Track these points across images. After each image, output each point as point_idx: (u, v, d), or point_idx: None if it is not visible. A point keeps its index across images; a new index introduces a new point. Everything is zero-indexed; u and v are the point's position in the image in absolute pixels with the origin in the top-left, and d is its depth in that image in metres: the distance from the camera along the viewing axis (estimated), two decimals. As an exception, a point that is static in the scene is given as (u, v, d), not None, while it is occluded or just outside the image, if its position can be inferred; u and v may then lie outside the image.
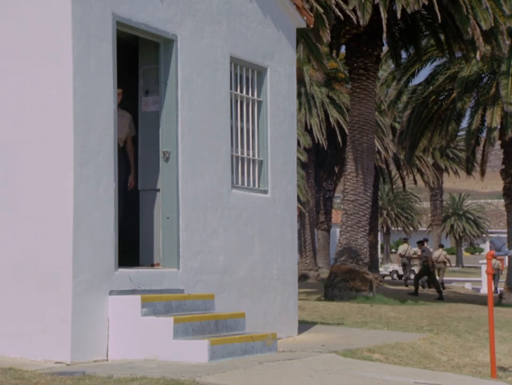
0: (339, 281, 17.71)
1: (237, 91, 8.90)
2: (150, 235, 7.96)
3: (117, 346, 6.88)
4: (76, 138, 6.79)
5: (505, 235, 22.51)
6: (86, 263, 6.78)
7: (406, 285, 29.20)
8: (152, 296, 7.14)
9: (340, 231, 18.65)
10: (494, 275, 29.48)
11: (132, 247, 8.01)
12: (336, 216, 46.84)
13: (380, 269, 41.37)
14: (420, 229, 67.59)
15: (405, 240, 34.55)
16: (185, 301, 7.39)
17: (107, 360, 6.82)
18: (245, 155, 9.01)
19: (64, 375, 5.84)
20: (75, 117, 6.79)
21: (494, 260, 28.08)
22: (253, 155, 9.14)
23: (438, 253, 28.95)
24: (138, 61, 8.15)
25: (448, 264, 30.32)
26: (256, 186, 9.14)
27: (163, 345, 6.73)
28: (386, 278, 39.49)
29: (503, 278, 25.89)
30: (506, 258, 20.67)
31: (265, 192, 9.18)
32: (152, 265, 7.84)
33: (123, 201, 7.68)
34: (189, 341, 6.77)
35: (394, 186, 44.06)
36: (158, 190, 7.95)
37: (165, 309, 7.13)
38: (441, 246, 30.95)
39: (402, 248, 32.74)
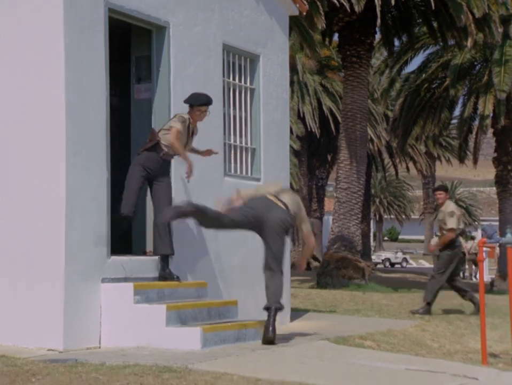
0: (332, 269, 17.76)
1: (229, 78, 8.89)
2: (142, 222, 7.96)
3: (109, 333, 6.88)
4: (68, 126, 6.77)
5: (497, 223, 22.59)
6: (78, 251, 6.77)
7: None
8: (144, 284, 7.15)
9: (333, 219, 18.68)
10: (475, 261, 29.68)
11: (125, 235, 8.00)
12: (329, 204, 46.91)
13: (373, 257, 41.51)
14: (412, 217, 67.79)
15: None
16: (178, 289, 7.40)
17: (100, 347, 6.83)
18: (238, 143, 9.01)
19: (56, 362, 5.85)
20: (67, 105, 6.76)
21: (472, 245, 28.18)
22: (246, 143, 9.13)
23: (470, 245, 28.36)
24: (130, 48, 8.12)
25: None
26: (249, 174, 9.14)
27: (155, 333, 6.74)
28: (378, 266, 39.63)
29: (494, 266, 25.98)
30: (498, 245, 20.77)
31: (258, 180, 9.18)
32: (145, 253, 7.85)
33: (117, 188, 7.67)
34: (182, 329, 6.78)
35: (386, 174, 44.14)
36: (152, 178, 7.92)
37: (158, 297, 7.14)
38: (472, 237, 30.38)
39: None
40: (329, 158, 36.71)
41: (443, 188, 11.17)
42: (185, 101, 7.54)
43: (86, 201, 6.88)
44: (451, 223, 10.50)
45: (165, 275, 7.36)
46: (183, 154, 7.45)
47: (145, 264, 7.48)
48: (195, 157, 8.10)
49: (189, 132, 7.56)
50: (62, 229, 6.67)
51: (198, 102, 7.51)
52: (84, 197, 6.86)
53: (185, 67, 8.08)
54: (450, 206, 10.73)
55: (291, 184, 32.92)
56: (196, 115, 7.54)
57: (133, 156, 7.96)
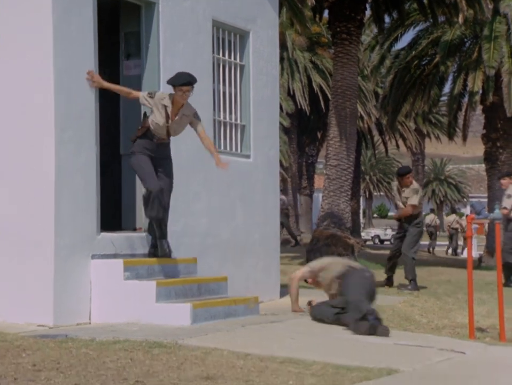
0: (321, 246, 17.77)
1: (219, 55, 8.85)
2: (132, 199, 7.96)
3: (99, 309, 6.91)
4: (57, 102, 6.74)
5: (486, 199, 22.69)
6: (68, 227, 6.78)
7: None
8: (134, 260, 7.16)
9: (323, 196, 18.70)
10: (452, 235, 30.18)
11: (115, 211, 8.00)
12: (319, 181, 46.98)
13: (362, 234, 41.64)
14: (402, 194, 67.85)
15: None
16: (168, 265, 7.42)
17: (90, 323, 6.86)
18: (227, 119, 8.99)
19: (46, 337, 5.87)
20: (56, 81, 6.73)
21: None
22: (235, 120, 9.12)
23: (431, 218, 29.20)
24: (119, 24, 8.07)
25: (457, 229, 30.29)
26: (239, 151, 9.14)
27: (145, 309, 6.77)
28: (368, 243, 39.79)
29: (482, 242, 26.12)
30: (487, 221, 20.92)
31: (248, 156, 9.18)
32: (135, 229, 7.85)
33: (106, 165, 7.66)
34: (172, 305, 6.81)
35: (376, 152, 44.16)
36: (141, 154, 7.90)
37: (148, 273, 7.16)
38: (453, 211, 30.84)
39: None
40: (319, 135, 36.70)
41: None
42: (167, 82, 7.33)
43: (75, 177, 6.87)
44: (414, 200, 11.14)
45: (154, 252, 7.33)
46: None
47: (135, 240, 7.48)
48: (186, 132, 8.09)
49: (167, 112, 7.22)
50: (51, 204, 6.67)
51: (178, 82, 7.18)
52: (73, 172, 6.85)
53: (174, 43, 8.04)
54: (414, 184, 11.42)
55: (280, 161, 32.89)
56: (178, 96, 7.22)
57: (122, 132, 7.95)
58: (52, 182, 6.68)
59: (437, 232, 31.62)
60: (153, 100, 7.18)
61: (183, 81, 7.20)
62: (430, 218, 31.16)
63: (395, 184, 11.76)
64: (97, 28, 7.13)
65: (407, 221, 11.21)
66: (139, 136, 7.27)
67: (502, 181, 11.71)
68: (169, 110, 7.23)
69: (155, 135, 7.25)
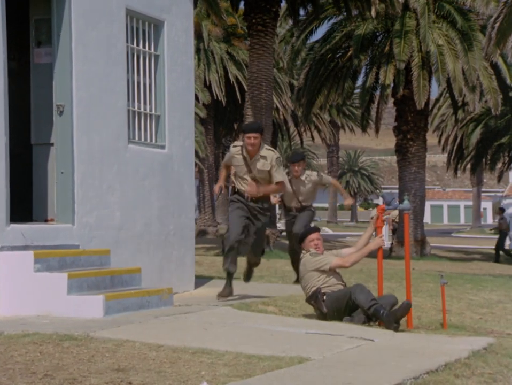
0: (237, 236, 17.86)
1: (133, 44, 8.76)
2: (44, 190, 7.81)
3: (9, 302, 6.76)
4: (-36, 90, 6.54)
5: (397, 190, 23.25)
6: (-25, 219, 6.60)
7: None
8: (45, 252, 7.04)
9: (238, 187, 18.78)
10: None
11: (25, 202, 7.84)
12: (235, 172, 47.09)
13: (278, 224, 42.00)
14: (317, 185, 68.78)
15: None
16: (80, 257, 7.33)
17: (-1, 317, 6.71)
18: (142, 109, 8.92)
19: (-47, 332, 5.71)
20: (-38, 67, 6.53)
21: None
22: (150, 110, 9.05)
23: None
24: (29, 10, 7.88)
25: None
26: (154, 141, 9.08)
27: (57, 301, 6.66)
28: (283, 233, 40.14)
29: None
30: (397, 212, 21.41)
31: (163, 147, 9.13)
32: (46, 221, 7.71)
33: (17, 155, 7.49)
34: (84, 297, 6.73)
35: (292, 143, 44.58)
36: (52, 144, 7.78)
37: (60, 265, 7.05)
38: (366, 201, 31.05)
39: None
40: (235, 126, 36.76)
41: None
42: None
43: (-16, 168, 6.68)
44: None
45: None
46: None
47: (46, 232, 7.35)
48: (99, 123, 7.98)
49: (246, 159, 8.02)
50: (-42, 196, 6.47)
51: (242, 129, 8.14)
52: (-19, 163, 6.67)
53: (87, 31, 7.91)
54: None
55: (197, 151, 32.84)
56: (246, 142, 8.02)
57: (33, 122, 7.78)
58: (-42, 172, 6.49)
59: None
60: None
61: (244, 128, 8.26)
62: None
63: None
64: (5, 13, 6.94)
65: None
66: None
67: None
68: (246, 156, 8.14)
69: (242, 193, 8.22)
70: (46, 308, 6.66)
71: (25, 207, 7.80)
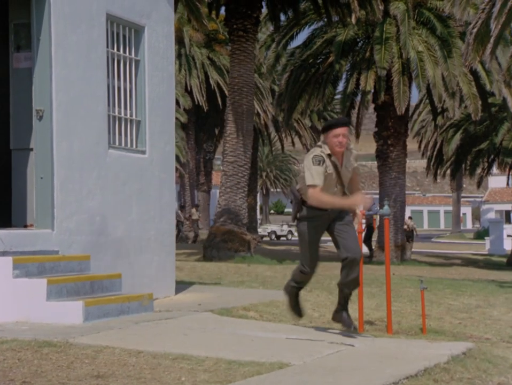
0: (218, 242, 17.89)
1: (113, 49, 8.74)
2: (23, 195, 7.76)
3: (-13, 309, 6.70)
4: None
5: (378, 196, 23.34)
6: (-46, 225, 6.54)
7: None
8: (24, 257, 6.99)
9: (220, 193, 18.78)
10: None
11: (4, 207, 7.78)
12: (216, 177, 47.10)
13: (259, 230, 42.04)
14: (298, 190, 68.91)
15: None
16: (60, 263, 7.28)
17: (-23, 323, 6.65)
18: (122, 115, 8.89)
19: None
20: None
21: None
22: (131, 115, 9.03)
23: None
24: (8, 15, 7.84)
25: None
26: (134, 146, 9.05)
27: (36, 307, 6.61)
28: (264, 238, 40.19)
29: (374, 238, 26.89)
30: (378, 217, 21.50)
31: (143, 152, 9.11)
32: (25, 226, 7.66)
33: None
34: (63, 303, 6.68)
35: (273, 148, 44.65)
36: (32, 149, 7.74)
37: (39, 270, 7.00)
38: (410, 217, 30.91)
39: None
40: (216, 131, 36.80)
41: None
42: (321, 132, 6.44)
43: (-38, 173, 6.64)
44: None
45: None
46: (338, 203, 6.32)
47: (25, 237, 7.30)
48: (79, 128, 7.95)
49: (336, 167, 6.27)
50: None
51: (328, 126, 6.24)
52: (-40, 168, 6.62)
53: (66, 36, 7.88)
54: None
55: (178, 157, 32.80)
56: (333, 143, 6.20)
57: (12, 127, 7.73)
58: None
59: None
60: None
61: (330, 123, 6.36)
62: None
63: None
64: (-16, 19, 6.90)
65: None
66: (297, 210, 6.56)
67: None
68: (335, 163, 6.37)
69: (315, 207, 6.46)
70: (25, 315, 6.61)
71: (4, 212, 7.75)
